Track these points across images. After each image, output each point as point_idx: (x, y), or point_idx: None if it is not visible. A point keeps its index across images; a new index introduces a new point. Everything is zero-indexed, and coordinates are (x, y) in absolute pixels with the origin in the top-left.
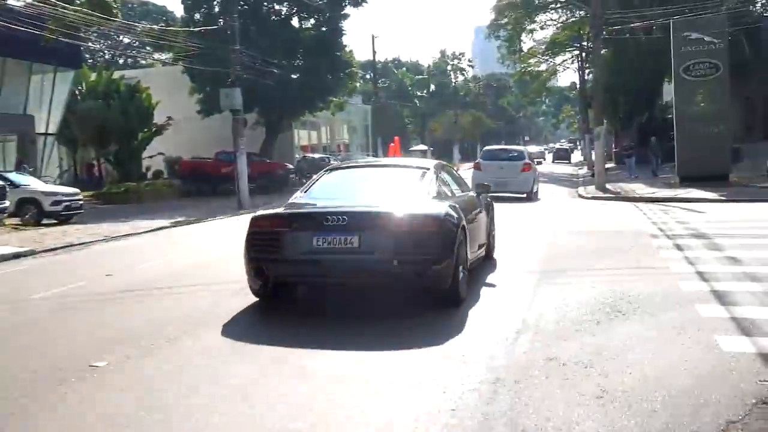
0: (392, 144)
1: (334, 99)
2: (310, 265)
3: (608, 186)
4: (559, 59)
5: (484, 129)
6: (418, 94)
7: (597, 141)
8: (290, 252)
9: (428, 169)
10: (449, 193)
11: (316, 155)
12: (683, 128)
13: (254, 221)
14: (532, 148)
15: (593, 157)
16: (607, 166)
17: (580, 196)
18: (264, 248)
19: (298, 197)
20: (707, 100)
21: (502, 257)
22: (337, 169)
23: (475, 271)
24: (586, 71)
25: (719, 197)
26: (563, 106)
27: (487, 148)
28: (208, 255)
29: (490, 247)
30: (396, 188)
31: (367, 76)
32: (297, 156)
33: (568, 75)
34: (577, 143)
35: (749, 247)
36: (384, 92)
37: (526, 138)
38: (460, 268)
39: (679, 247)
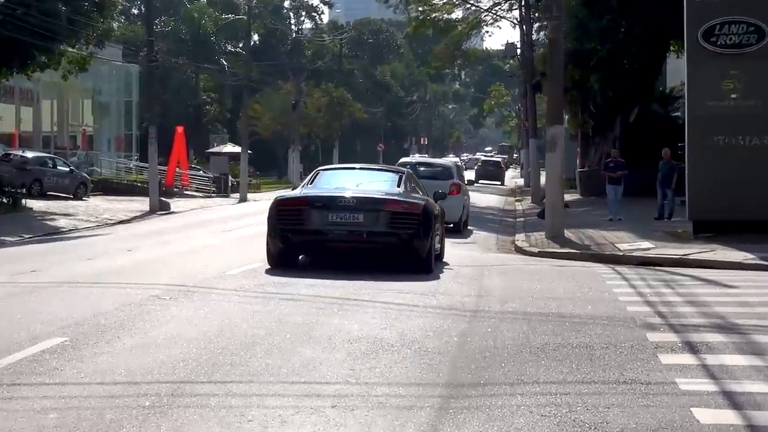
0: (179, 141)
1: (69, 49)
2: (326, 234)
3: (569, 233)
4: (487, 1)
5: (348, 121)
6: (229, 48)
7: (551, 152)
8: (311, 224)
9: (404, 173)
10: (421, 194)
11: (30, 153)
12: (699, 136)
13: (280, 202)
14: (436, 161)
15: (542, 180)
16: (569, 197)
17: (520, 249)
18: (289, 221)
19: (306, 188)
20: (743, 88)
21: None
22: (330, 169)
23: None
24: (535, 26)
25: (762, 262)
26: (491, 85)
27: (403, 160)
28: None
29: (443, 248)
30: (383, 183)
31: (135, 11)
32: None
33: (502, 32)
34: (514, 153)
35: None
36: (165, 43)
37: (424, 141)
38: (435, 246)
39: (692, 348)
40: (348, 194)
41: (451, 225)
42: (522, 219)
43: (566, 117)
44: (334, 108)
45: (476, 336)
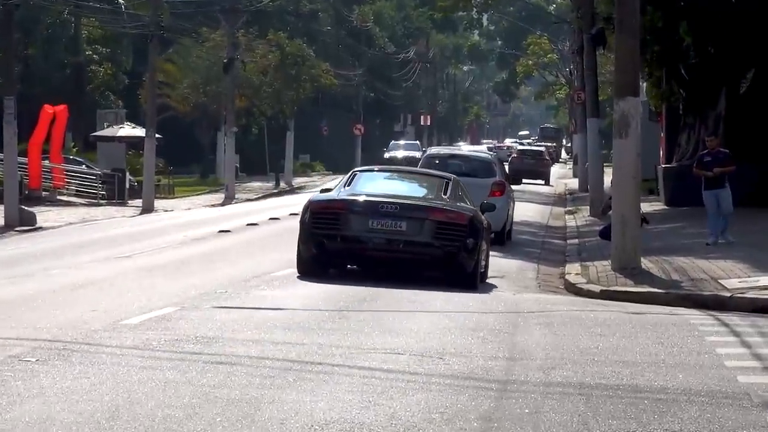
0: (49, 121)
1: None
2: (365, 242)
3: (648, 263)
4: None
5: (309, 90)
6: None
7: (621, 139)
8: (349, 230)
9: (451, 179)
10: (468, 203)
11: None
12: None
13: (315, 204)
14: (473, 153)
15: (606, 181)
16: (647, 207)
17: (572, 287)
18: (325, 226)
19: (343, 191)
20: None
21: None
22: (368, 170)
23: None
24: None
25: None
26: (529, 37)
27: (430, 152)
28: None
29: (487, 265)
30: (427, 190)
31: None
32: None
33: None
34: (563, 139)
35: None
36: None
37: (425, 121)
38: (481, 262)
39: None
40: (391, 199)
41: (492, 235)
42: (575, 240)
43: (644, 85)
44: (287, 70)
45: (507, 421)
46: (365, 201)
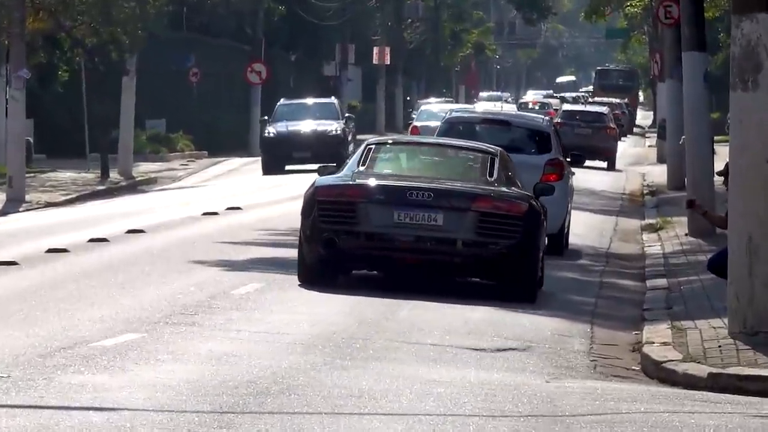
0: None
1: None
2: (389, 239)
3: None
4: None
5: (166, 2)
6: None
7: (744, 91)
8: (368, 225)
9: (496, 154)
10: (519, 187)
11: None
12: None
13: (323, 190)
14: (519, 117)
15: (714, 168)
16: None
17: (657, 369)
18: (337, 219)
19: (358, 170)
20: None
21: None
22: (387, 143)
23: None
24: None
25: None
26: None
27: (454, 113)
28: None
29: (543, 274)
30: (467, 169)
31: None
32: None
33: None
34: (640, 93)
35: None
36: None
37: (382, 56)
38: (540, 262)
39: None
40: (422, 184)
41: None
42: (661, 281)
43: None
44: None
45: None
46: (389, 186)
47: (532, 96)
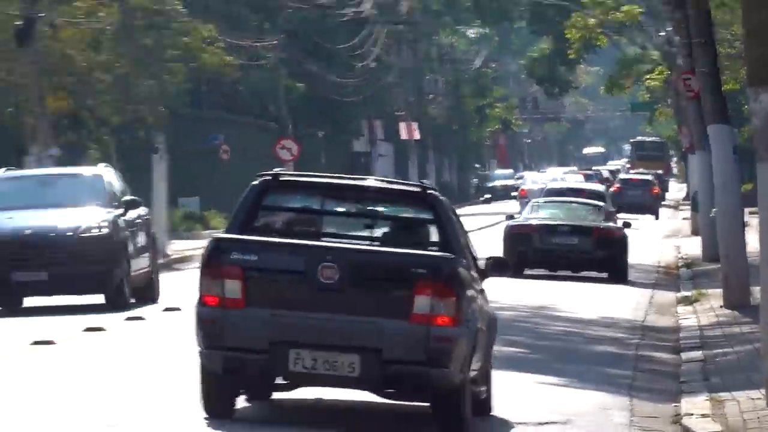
0: None
1: None
2: (548, 253)
3: None
4: None
5: (184, 78)
6: None
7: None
8: (538, 244)
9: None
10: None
11: None
12: None
13: (514, 228)
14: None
15: (749, 240)
16: None
17: None
18: (521, 243)
19: (529, 216)
20: None
21: None
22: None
23: None
24: None
25: None
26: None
27: (550, 187)
28: None
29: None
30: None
31: None
32: None
33: None
34: (671, 162)
35: None
36: None
37: (411, 132)
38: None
39: None
40: (563, 222)
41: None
42: (698, 353)
43: None
44: (136, 36)
45: None
46: (548, 224)
47: (561, 173)
